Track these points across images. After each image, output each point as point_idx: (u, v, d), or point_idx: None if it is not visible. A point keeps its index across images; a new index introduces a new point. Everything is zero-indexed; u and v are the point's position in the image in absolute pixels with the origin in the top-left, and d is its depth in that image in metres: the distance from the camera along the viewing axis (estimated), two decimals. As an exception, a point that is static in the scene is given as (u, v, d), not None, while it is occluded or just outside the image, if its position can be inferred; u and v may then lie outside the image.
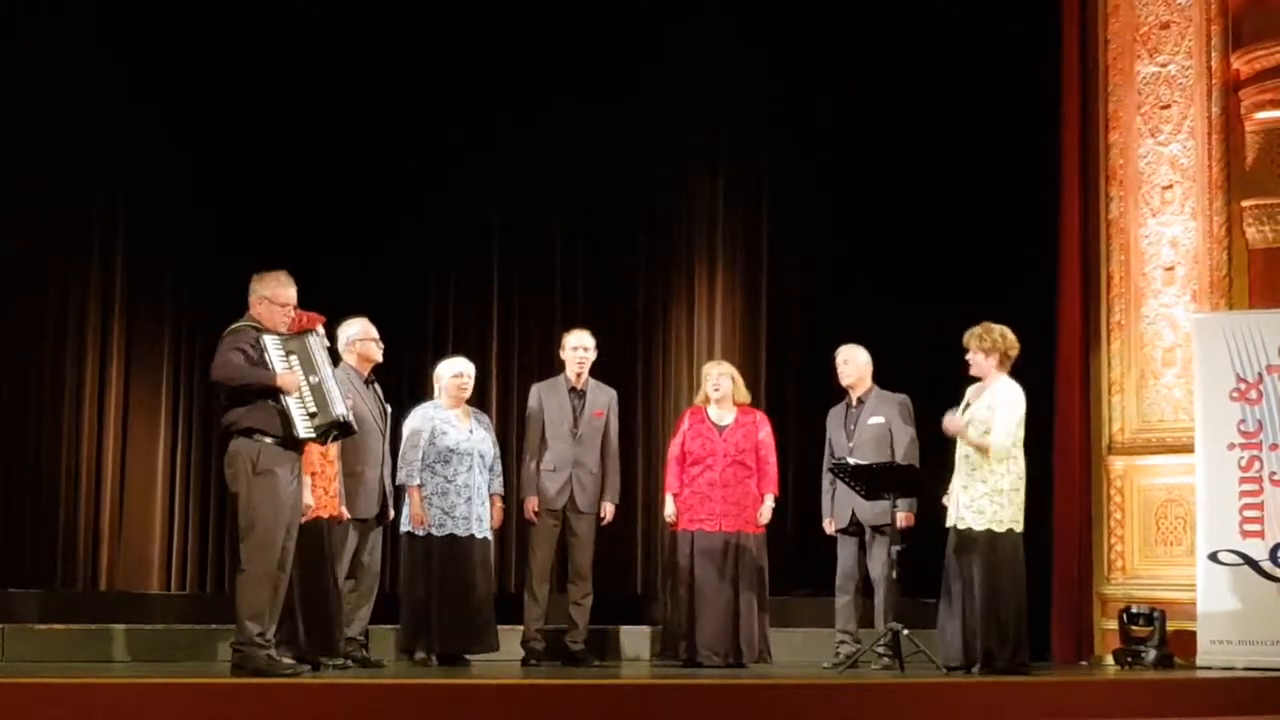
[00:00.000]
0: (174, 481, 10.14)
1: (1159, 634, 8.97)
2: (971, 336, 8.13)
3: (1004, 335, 8.11)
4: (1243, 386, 8.93)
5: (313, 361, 7.25)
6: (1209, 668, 8.69)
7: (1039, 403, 9.36)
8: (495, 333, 10.78)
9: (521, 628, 8.83)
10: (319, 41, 10.22)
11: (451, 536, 8.54)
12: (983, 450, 7.93)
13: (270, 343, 7.17)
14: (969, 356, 8.13)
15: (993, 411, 7.98)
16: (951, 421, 8.05)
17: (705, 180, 11.01)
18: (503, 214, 10.78)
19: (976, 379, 8.14)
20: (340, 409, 7.25)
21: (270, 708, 6.41)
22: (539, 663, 8.72)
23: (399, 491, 8.56)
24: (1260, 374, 8.90)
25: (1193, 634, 8.90)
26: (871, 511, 8.73)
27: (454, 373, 8.74)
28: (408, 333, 10.17)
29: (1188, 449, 9.19)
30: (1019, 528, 8.00)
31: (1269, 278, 9.44)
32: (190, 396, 10.21)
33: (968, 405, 8.13)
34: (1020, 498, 8.02)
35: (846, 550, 8.92)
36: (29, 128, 9.66)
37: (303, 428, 7.12)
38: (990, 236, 9.97)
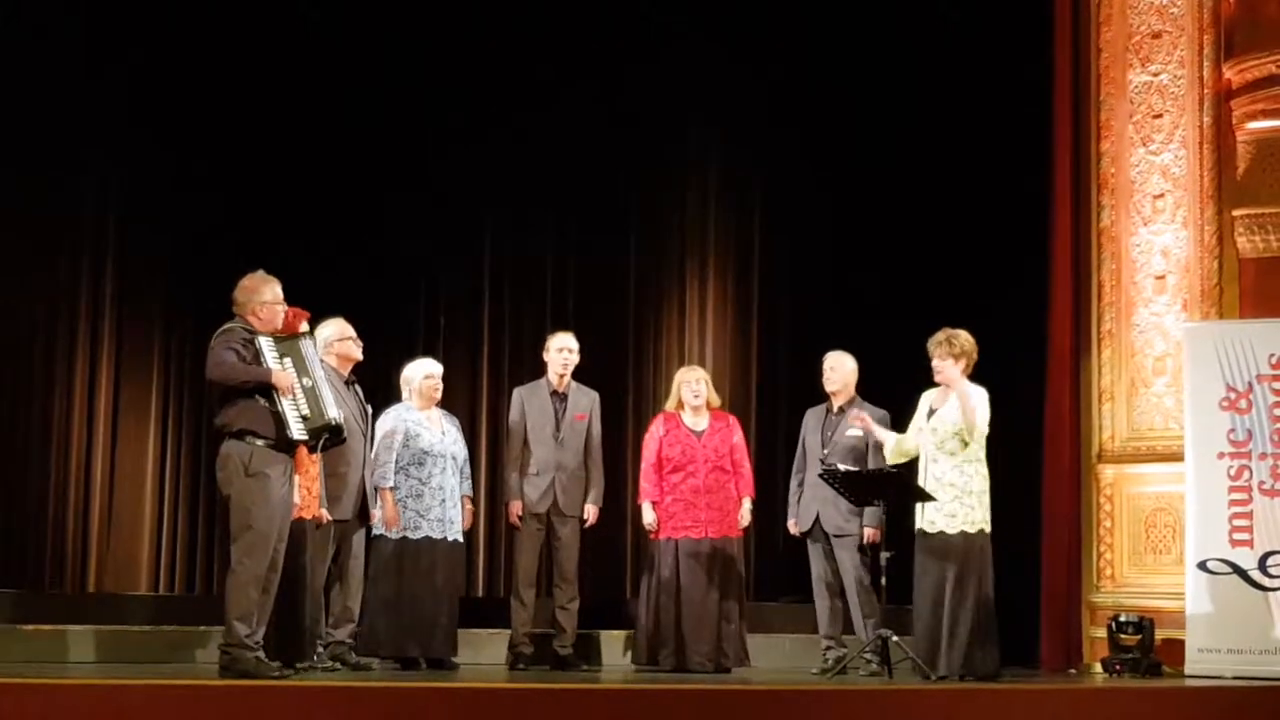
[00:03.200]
0: (163, 483, 10.11)
1: (1147, 642, 8.98)
2: (938, 344, 8.23)
3: (968, 340, 8.27)
4: (1233, 396, 8.93)
5: (306, 364, 7.27)
6: (1197, 676, 8.69)
7: (1029, 411, 9.43)
8: (486, 335, 10.77)
9: (509, 632, 8.82)
10: (311, 41, 10.21)
11: (427, 539, 8.52)
12: (969, 425, 8.01)
13: (265, 344, 7.17)
14: (936, 364, 8.24)
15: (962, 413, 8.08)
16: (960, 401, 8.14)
17: (697, 184, 11.00)
18: (494, 216, 10.77)
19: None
20: (333, 412, 7.26)
21: (257, 710, 6.41)
22: (526, 667, 8.71)
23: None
24: (1250, 383, 8.91)
25: (1181, 642, 8.91)
26: (836, 520, 8.76)
27: (425, 374, 8.71)
28: (398, 335, 10.16)
29: (1178, 458, 9.19)
30: (989, 528, 8.14)
31: (1260, 287, 9.45)
32: (180, 398, 10.20)
33: (932, 411, 8.22)
34: (988, 499, 8.16)
35: (815, 554, 8.96)
36: (17, 125, 9.64)
37: (296, 430, 7.12)
38: (981, 244, 9.98)
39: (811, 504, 8.87)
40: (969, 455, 8.11)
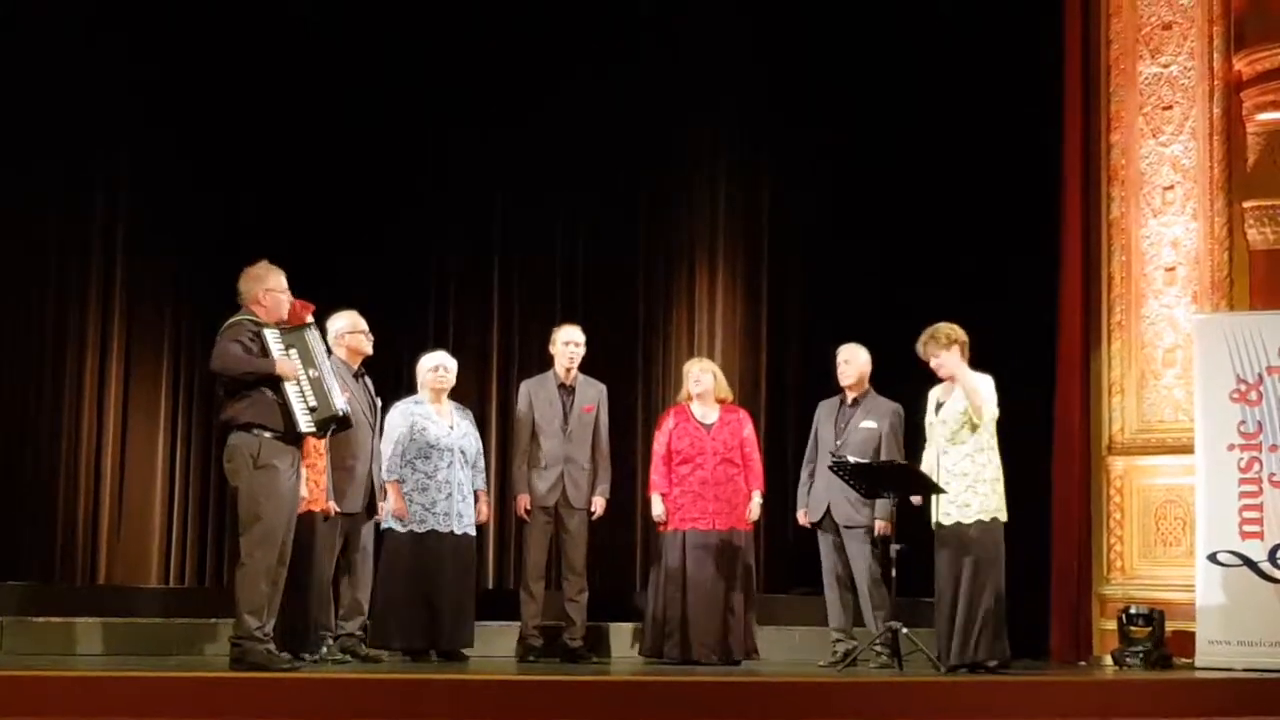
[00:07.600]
0: (173, 475, 10.16)
1: (1158, 634, 8.96)
2: (925, 342, 8.19)
3: (952, 328, 8.19)
4: (1243, 388, 8.92)
5: (312, 355, 7.28)
6: (1207, 668, 8.68)
7: (1039, 403, 9.42)
8: (495, 329, 10.78)
9: (519, 624, 8.83)
10: (319, 37, 10.24)
11: (433, 533, 8.53)
12: (975, 407, 7.99)
13: (270, 336, 7.19)
14: (934, 362, 8.17)
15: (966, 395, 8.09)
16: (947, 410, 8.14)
17: (705, 177, 10.99)
18: (503, 210, 10.78)
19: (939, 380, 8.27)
20: (340, 403, 7.28)
21: (269, 702, 6.43)
22: (536, 659, 8.72)
23: (386, 486, 8.55)
24: (1260, 375, 8.89)
25: (1191, 634, 8.89)
26: (846, 512, 8.75)
27: (431, 366, 8.73)
28: (408, 330, 10.17)
29: (1188, 450, 9.18)
30: (1003, 516, 8.10)
31: (1270, 279, 9.43)
32: (190, 391, 10.23)
33: (940, 405, 8.21)
34: (1001, 487, 8.12)
35: (826, 546, 8.95)
36: (28, 125, 9.68)
37: (304, 422, 7.14)
38: (991, 236, 9.96)
39: (822, 495, 8.86)
40: (979, 444, 8.08)
